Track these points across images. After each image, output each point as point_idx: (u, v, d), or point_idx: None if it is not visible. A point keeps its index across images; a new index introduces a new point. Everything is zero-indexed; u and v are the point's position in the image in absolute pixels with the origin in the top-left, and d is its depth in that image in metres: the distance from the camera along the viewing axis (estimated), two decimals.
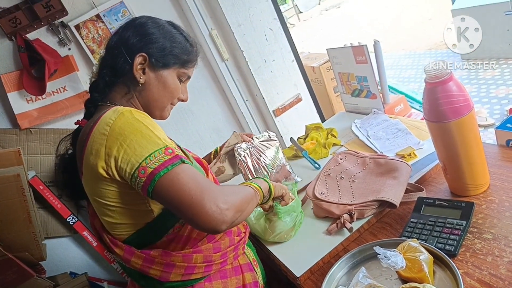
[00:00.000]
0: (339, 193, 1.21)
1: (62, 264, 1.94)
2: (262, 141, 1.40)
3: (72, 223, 1.84)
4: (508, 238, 0.86)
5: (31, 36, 1.72)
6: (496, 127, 1.17)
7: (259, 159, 1.37)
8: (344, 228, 1.08)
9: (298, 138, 1.70)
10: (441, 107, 0.93)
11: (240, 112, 2.27)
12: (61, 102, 1.80)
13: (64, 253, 1.95)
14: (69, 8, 1.76)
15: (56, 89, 1.79)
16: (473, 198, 1.00)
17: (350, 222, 1.08)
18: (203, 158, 1.26)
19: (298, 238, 1.15)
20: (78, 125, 0.99)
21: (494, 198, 0.98)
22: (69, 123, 1.81)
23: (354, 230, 1.07)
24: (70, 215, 1.82)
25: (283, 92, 2.27)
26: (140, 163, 0.78)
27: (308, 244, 1.11)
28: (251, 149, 1.37)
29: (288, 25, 2.33)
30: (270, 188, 1.04)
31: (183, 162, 0.80)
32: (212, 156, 1.42)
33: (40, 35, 1.75)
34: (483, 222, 0.93)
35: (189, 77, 1.03)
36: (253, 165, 1.36)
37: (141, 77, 0.95)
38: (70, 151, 1.02)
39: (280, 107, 2.26)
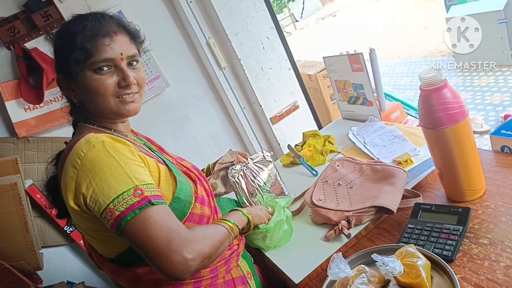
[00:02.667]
0: (336, 200, 1.22)
1: (59, 273, 1.93)
2: (257, 162, 1.36)
3: (69, 232, 1.83)
4: (504, 243, 0.87)
5: (29, 45, 1.73)
6: (491, 133, 1.18)
7: (253, 181, 1.33)
8: (342, 235, 1.08)
9: (296, 145, 1.71)
10: (436, 114, 0.94)
11: (237, 120, 2.28)
12: (59, 111, 1.79)
13: (61, 262, 1.94)
14: (67, 17, 1.76)
15: (54, 98, 1.80)
16: (469, 204, 1.01)
17: (348, 229, 1.09)
18: None
19: (296, 245, 1.15)
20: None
21: (490, 203, 0.99)
22: (67, 132, 1.80)
23: (352, 236, 1.07)
24: (67, 224, 1.82)
25: (280, 100, 2.29)
26: (107, 205, 0.75)
27: (307, 250, 1.11)
28: (245, 171, 1.32)
29: (284, 33, 2.36)
30: (248, 220, 1.03)
31: (152, 204, 0.76)
32: (204, 173, 1.36)
33: (38, 44, 1.76)
34: (479, 227, 0.94)
35: (104, 59, 0.85)
36: (247, 187, 1.31)
37: (73, 97, 0.90)
38: (54, 172, 0.97)
39: (277, 115, 2.28)
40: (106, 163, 0.77)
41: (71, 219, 0.90)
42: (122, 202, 0.74)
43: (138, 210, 0.75)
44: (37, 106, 1.78)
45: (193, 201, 0.93)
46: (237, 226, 0.96)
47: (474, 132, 3.18)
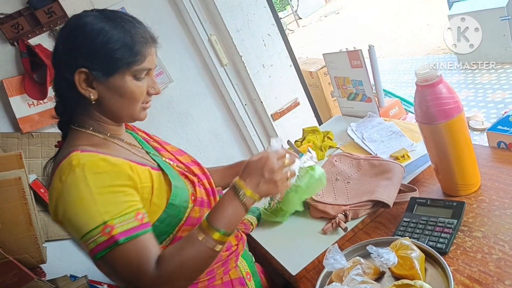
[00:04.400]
0: (334, 194, 1.24)
1: (62, 267, 1.96)
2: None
3: None
4: (497, 236, 0.88)
5: (33, 41, 1.76)
6: (488, 129, 1.19)
7: None
8: (339, 228, 1.10)
9: (295, 141, 1.72)
10: (431, 109, 0.96)
11: (239, 116, 2.30)
12: None
13: (64, 256, 1.97)
14: (70, 14, 1.79)
15: None
16: (464, 198, 1.02)
17: (345, 222, 1.11)
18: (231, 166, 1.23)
19: (294, 238, 1.17)
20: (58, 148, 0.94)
21: (484, 198, 1.01)
22: None
23: (348, 229, 1.09)
24: None
25: (281, 97, 2.31)
26: (80, 238, 0.77)
27: (304, 243, 1.13)
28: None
29: (287, 31, 2.36)
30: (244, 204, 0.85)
31: (119, 244, 0.75)
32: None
33: (42, 40, 1.79)
34: (473, 220, 0.95)
35: (149, 69, 0.88)
36: None
37: (91, 94, 0.84)
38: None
39: (278, 111, 2.29)
40: (80, 194, 0.76)
41: None
42: (91, 240, 0.75)
43: (105, 250, 0.75)
44: (41, 101, 1.80)
45: (190, 205, 0.91)
46: (226, 233, 0.82)
47: (475, 130, 3.19)
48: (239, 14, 2.08)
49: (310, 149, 1.38)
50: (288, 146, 1.66)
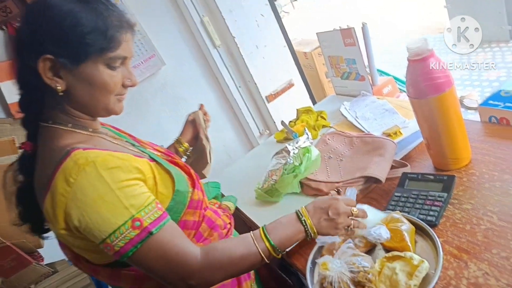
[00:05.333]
0: (327, 172, 1.24)
1: (60, 251, 1.97)
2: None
3: None
4: (486, 207, 0.90)
5: None
6: (480, 104, 1.20)
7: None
8: None
9: (290, 121, 1.72)
10: (423, 84, 0.96)
11: (233, 99, 2.29)
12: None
13: None
14: None
15: None
16: (455, 172, 1.03)
17: None
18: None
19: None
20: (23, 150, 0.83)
21: (475, 171, 1.02)
22: None
23: None
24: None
25: (276, 78, 2.29)
26: (104, 239, 0.70)
27: None
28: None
29: (282, 13, 2.34)
30: (307, 234, 0.85)
31: (153, 234, 0.72)
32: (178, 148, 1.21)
33: None
34: (463, 194, 0.97)
35: (124, 57, 0.79)
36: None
37: (58, 84, 0.74)
38: (20, 181, 0.84)
39: (272, 93, 2.28)
40: (99, 192, 0.70)
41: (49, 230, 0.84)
42: (121, 237, 0.70)
43: (139, 244, 0.71)
44: None
45: (190, 189, 0.89)
46: (276, 249, 0.81)
47: (469, 108, 3.18)
48: None
49: (307, 130, 1.38)
50: (282, 127, 1.67)
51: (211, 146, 1.19)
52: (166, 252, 0.73)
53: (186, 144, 1.20)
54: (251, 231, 0.83)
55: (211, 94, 2.29)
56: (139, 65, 1.98)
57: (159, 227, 0.73)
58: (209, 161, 1.16)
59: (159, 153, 0.95)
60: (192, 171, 0.96)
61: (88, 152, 0.72)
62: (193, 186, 0.91)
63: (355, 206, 0.88)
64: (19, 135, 1.80)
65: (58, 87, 0.75)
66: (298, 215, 0.85)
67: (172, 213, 0.83)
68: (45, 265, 1.80)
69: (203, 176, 1.13)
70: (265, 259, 0.81)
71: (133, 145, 0.92)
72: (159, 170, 0.84)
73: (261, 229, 0.83)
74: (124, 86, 0.82)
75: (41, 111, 0.80)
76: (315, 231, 0.85)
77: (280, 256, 0.83)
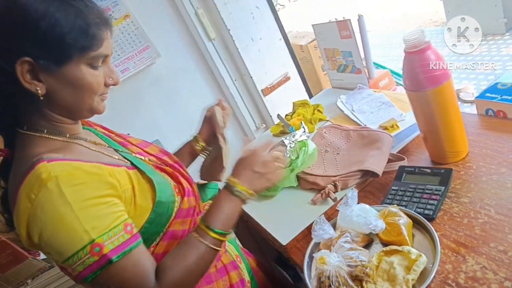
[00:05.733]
0: (324, 166, 1.24)
1: None
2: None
3: None
4: (483, 200, 0.89)
5: None
6: (476, 97, 1.19)
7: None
8: (329, 198, 1.11)
9: (286, 115, 1.71)
10: (420, 76, 0.95)
11: (229, 93, 2.27)
12: None
13: None
14: None
15: None
16: (452, 165, 1.03)
17: (334, 192, 1.11)
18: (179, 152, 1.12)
19: (284, 209, 1.18)
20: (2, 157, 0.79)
21: (472, 164, 1.01)
22: None
23: (338, 199, 1.09)
24: None
25: (271, 71, 2.28)
26: (63, 262, 0.67)
27: (294, 214, 1.13)
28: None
29: (278, 6, 2.31)
30: (240, 198, 0.84)
31: (112, 262, 0.67)
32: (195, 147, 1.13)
33: None
34: (461, 187, 0.96)
35: (106, 56, 0.76)
36: None
37: (38, 88, 0.70)
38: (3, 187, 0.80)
39: (268, 86, 2.27)
40: (59, 212, 0.65)
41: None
42: (79, 262, 0.66)
43: (98, 270, 0.67)
44: None
45: (177, 198, 0.85)
46: (223, 233, 0.80)
47: (465, 102, 3.19)
48: None
49: (303, 123, 1.37)
50: (278, 121, 1.66)
51: (229, 148, 1.07)
52: (126, 281, 0.70)
53: (202, 143, 1.12)
54: (192, 230, 0.80)
55: (207, 88, 2.27)
56: (133, 57, 1.95)
57: (121, 254, 0.68)
58: (224, 165, 1.04)
59: (147, 157, 0.90)
60: (183, 178, 0.91)
61: (53, 164, 0.67)
62: (183, 194, 0.87)
63: (268, 147, 0.92)
64: None
65: (38, 91, 0.70)
66: (229, 188, 0.84)
67: (153, 226, 0.80)
68: (41, 260, 1.80)
69: (219, 180, 1.07)
70: (219, 248, 0.80)
71: (117, 150, 0.86)
72: (139, 179, 0.80)
73: (199, 222, 0.81)
74: (106, 85, 0.78)
75: (17, 116, 0.75)
76: (251, 192, 0.84)
77: (228, 236, 0.82)
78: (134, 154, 0.88)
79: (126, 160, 0.83)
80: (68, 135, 0.78)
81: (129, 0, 1.93)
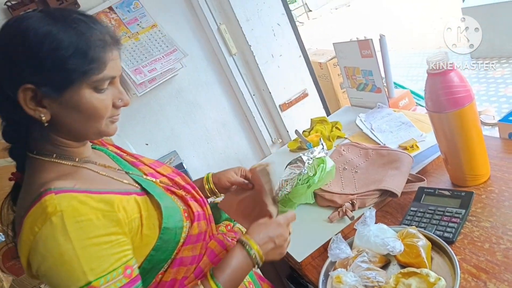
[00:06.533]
0: (342, 183, 1.23)
1: None
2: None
3: None
4: (506, 226, 0.87)
5: None
6: (499, 120, 1.18)
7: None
8: (346, 217, 1.10)
9: (303, 131, 1.72)
10: (442, 98, 0.94)
11: (247, 107, 2.29)
12: None
13: None
14: (81, 1, 1.80)
15: None
16: (473, 188, 1.01)
17: (351, 211, 1.10)
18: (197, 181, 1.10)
19: (300, 226, 1.16)
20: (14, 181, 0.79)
21: (494, 188, 1.00)
22: None
23: (355, 218, 1.09)
24: None
25: (290, 87, 2.29)
26: None
27: (310, 231, 1.13)
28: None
29: (297, 23, 2.35)
30: (254, 261, 0.81)
31: None
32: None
33: None
34: (482, 211, 0.95)
35: (112, 77, 0.72)
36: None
37: (42, 115, 0.69)
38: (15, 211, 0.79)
39: (286, 102, 2.28)
40: (60, 249, 0.64)
41: None
42: None
43: None
44: None
45: (186, 223, 0.82)
46: None
47: (486, 124, 3.13)
48: (249, 3, 2.06)
49: (322, 140, 1.38)
50: (295, 136, 1.66)
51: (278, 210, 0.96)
52: None
53: (213, 187, 1.09)
54: (199, 281, 0.78)
55: (225, 101, 2.30)
56: (160, 59, 1.95)
57: None
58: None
59: (158, 178, 0.89)
60: (194, 200, 0.89)
61: (60, 197, 0.65)
62: (192, 219, 0.84)
63: (293, 219, 0.91)
64: None
65: (43, 117, 0.69)
66: (246, 249, 0.81)
67: (160, 253, 0.78)
68: None
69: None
70: None
71: (127, 172, 0.84)
72: (148, 205, 0.78)
73: (208, 275, 0.78)
74: (115, 107, 0.76)
75: (27, 141, 0.74)
76: (262, 259, 0.82)
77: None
78: (145, 176, 0.86)
79: (136, 185, 0.81)
80: (77, 159, 0.77)
81: (154, 13, 1.98)
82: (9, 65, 0.67)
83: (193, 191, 0.92)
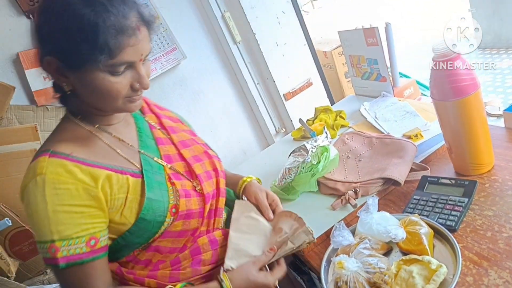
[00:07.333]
0: (345, 172, 1.23)
1: None
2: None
3: None
4: (508, 215, 0.88)
5: None
6: (505, 110, 1.17)
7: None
8: (348, 204, 1.10)
9: (307, 120, 1.72)
10: (448, 86, 0.94)
11: (250, 95, 2.29)
12: None
13: None
14: None
15: None
16: (477, 178, 1.01)
17: (354, 199, 1.11)
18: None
19: (303, 213, 1.16)
20: None
21: (497, 178, 0.99)
22: None
23: (358, 206, 1.09)
24: None
25: (294, 76, 2.28)
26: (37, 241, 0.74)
27: (313, 218, 1.12)
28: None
29: (302, 12, 2.32)
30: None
31: (59, 267, 0.71)
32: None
33: None
34: (485, 200, 0.95)
35: (128, 63, 0.73)
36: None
37: (64, 84, 0.75)
38: None
39: (290, 91, 2.27)
40: (36, 206, 0.71)
41: None
42: (40, 249, 0.73)
43: (48, 265, 0.75)
44: None
45: (168, 219, 0.81)
46: None
47: (491, 115, 3.12)
48: None
49: (326, 128, 1.37)
50: (299, 125, 1.66)
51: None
52: (70, 286, 0.75)
53: (241, 194, 1.05)
54: None
55: (230, 90, 2.29)
56: (160, 58, 1.99)
57: (70, 264, 0.72)
58: (236, 265, 0.86)
59: (173, 163, 0.88)
60: (199, 196, 0.87)
61: (52, 161, 0.73)
62: (174, 215, 0.82)
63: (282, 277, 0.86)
64: (42, 123, 1.83)
65: (65, 86, 0.75)
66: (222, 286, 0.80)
67: (134, 237, 0.80)
68: None
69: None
70: None
71: (139, 151, 0.85)
72: (137, 189, 0.79)
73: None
74: (134, 89, 0.77)
75: (66, 101, 0.82)
76: None
77: None
78: (155, 159, 0.86)
79: (137, 166, 0.82)
80: (96, 126, 0.82)
81: (159, 2, 1.97)
82: (39, 34, 0.72)
83: (207, 182, 0.89)
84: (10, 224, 1.56)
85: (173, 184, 0.84)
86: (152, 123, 0.94)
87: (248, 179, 1.05)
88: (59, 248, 0.71)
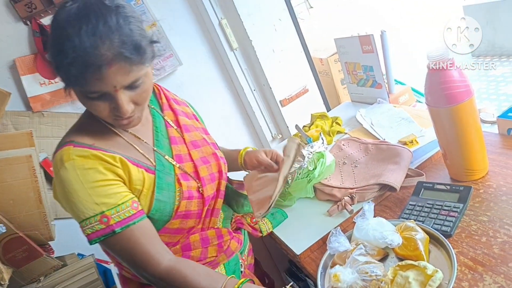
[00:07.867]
0: (341, 178, 1.24)
1: (70, 245, 1.98)
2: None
3: None
4: (503, 220, 0.88)
5: (45, 21, 1.77)
6: (498, 116, 1.18)
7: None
8: (345, 210, 1.11)
9: (304, 126, 1.72)
10: (442, 92, 0.95)
11: (247, 102, 2.30)
12: None
13: (72, 234, 1.97)
14: None
15: None
16: (471, 183, 1.02)
17: (351, 205, 1.11)
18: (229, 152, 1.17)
19: (299, 219, 1.18)
20: None
21: (492, 183, 1.00)
22: (81, 108, 1.85)
23: (354, 212, 1.09)
24: None
25: (291, 83, 2.29)
26: (79, 223, 0.79)
27: (309, 224, 1.14)
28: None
29: (298, 19, 2.35)
30: None
31: (116, 233, 0.77)
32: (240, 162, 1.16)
33: None
34: (480, 205, 0.95)
35: (101, 92, 0.74)
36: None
37: (71, 92, 0.78)
38: None
39: (287, 98, 2.28)
40: (74, 187, 0.77)
41: None
42: (89, 226, 0.77)
43: (103, 237, 0.78)
44: (52, 81, 1.81)
45: (169, 220, 0.88)
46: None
47: (485, 122, 3.13)
48: None
49: (322, 135, 1.38)
50: (295, 131, 1.67)
51: (280, 190, 1.00)
52: (130, 249, 0.79)
53: (243, 163, 1.14)
54: (225, 279, 0.81)
55: (226, 97, 2.30)
56: (156, 64, 2.00)
57: (125, 227, 0.78)
58: (267, 208, 0.97)
59: (183, 163, 0.91)
60: (197, 198, 0.91)
61: (76, 150, 0.79)
62: (175, 214, 0.88)
63: None
64: (37, 129, 1.83)
65: (71, 92, 0.79)
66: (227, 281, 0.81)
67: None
68: (55, 257, 1.82)
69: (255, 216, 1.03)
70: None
71: (154, 149, 0.89)
72: (151, 185, 0.85)
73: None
74: (115, 114, 0.79)
75: None
76: None
77: None
78: (167, 157, 0.90)
79: (152, 163, 0.87)
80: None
81: (156, 9, 1.98)
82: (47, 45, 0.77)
83: (209, 185, 0.94)
84: (5, 230, 1.55)
85: (180, 185, 0.89)
86: (169, 121, 0.97)
87: (245, 150, 1.16)
88: (110, 217, 0.77)
